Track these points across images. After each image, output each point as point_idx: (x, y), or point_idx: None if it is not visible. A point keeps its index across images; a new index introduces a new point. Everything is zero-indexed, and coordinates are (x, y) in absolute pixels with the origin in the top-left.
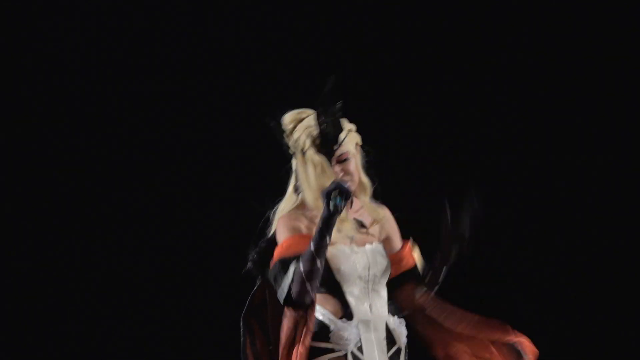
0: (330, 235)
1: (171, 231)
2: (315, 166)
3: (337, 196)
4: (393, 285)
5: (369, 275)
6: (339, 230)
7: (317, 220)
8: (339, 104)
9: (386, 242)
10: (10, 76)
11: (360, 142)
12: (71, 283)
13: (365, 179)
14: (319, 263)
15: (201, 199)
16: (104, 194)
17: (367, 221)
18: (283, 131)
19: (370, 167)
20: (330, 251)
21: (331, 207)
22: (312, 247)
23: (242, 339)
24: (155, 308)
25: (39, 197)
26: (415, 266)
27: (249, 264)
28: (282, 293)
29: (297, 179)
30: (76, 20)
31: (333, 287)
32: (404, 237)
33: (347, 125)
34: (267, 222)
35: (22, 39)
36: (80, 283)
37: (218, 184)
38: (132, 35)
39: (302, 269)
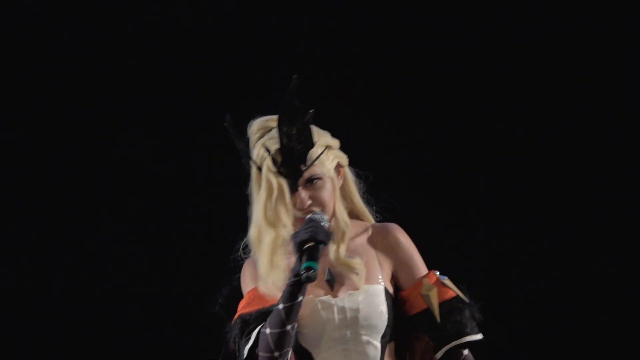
0: (304, 293)
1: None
2: (269, 190)
3: (314, 246)
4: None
5: (347, 334)
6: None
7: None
8: (309, 111)
9: (397, 276)
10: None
11: (345, 163)
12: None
13: (346, 219)
14: (289, 327)
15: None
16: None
17: (359, 252)
18: (245, 141)
19: (368, 196)
20: None
21: (311, 273)
22: (281, 309)
23: None
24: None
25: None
26: (425, 311)
27: (217, 307)
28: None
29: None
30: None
31: (302, 354)
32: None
33: (324, 139)
34: (242, 252)
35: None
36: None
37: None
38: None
39: (268, 333)
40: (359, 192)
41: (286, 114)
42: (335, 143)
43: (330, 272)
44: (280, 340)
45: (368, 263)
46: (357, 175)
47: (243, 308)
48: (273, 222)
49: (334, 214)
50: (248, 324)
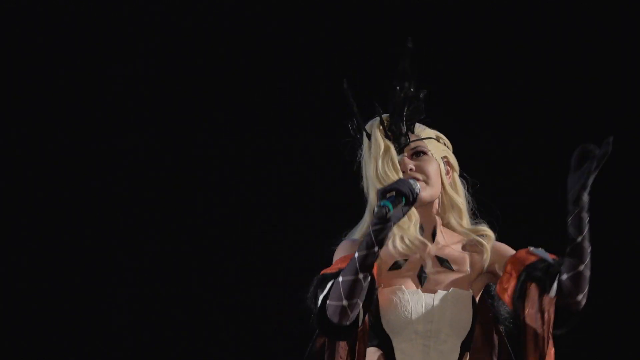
0: (380, 244)
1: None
2: (377, 150)
3: (395, 196)
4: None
5: (431, 330)
6: (407, 269)
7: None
8: (423, 89)
9: (496, 272)
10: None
11: (454, 164)
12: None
13: (459, 199)
14: (361, 277)
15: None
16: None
17: (454, 259)
18: (359, 110)
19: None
20: (384, 294)
21: (382, 210)
22: (356, 257)
23: None
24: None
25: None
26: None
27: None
28: (315, 311)
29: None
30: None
31: (383, 340)
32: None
33: (437, 132)
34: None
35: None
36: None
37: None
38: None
39: (341, 281)
40: (467, 206)
41: (400, 81)
42: (449, 143)
43: (422, 269)
44: (351, 288)
45: (460, 269)
46: (467, 189)
47: (325, 270)
48: (384, 179)
49: (441, 193)
50: (326, 280)
